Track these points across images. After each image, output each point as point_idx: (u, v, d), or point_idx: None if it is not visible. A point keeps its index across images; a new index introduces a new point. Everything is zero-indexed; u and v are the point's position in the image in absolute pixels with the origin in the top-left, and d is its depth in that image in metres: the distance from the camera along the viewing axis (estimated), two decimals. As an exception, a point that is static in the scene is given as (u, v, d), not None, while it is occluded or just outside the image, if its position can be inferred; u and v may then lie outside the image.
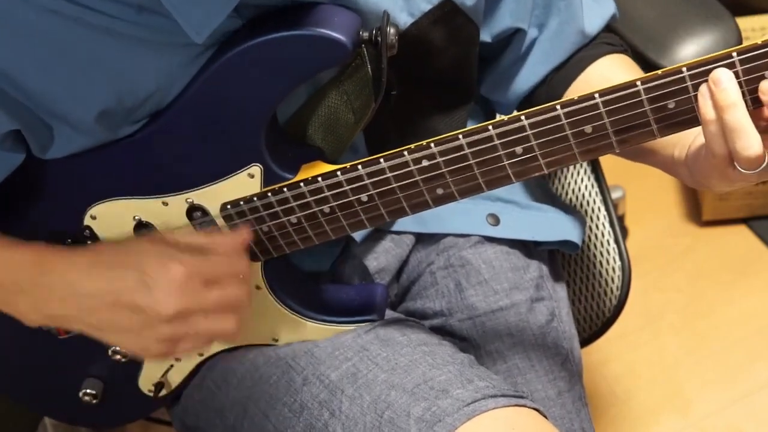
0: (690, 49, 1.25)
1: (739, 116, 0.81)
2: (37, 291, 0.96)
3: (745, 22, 1.96)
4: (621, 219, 2.09)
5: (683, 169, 0.95)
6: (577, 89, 1.09)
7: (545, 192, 1.30)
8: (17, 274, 0.96)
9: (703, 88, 0.82)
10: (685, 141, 0.94)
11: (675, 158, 0.96)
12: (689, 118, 0.84)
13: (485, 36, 1.08)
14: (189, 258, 0.93)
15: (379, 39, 0.92)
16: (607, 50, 1.11)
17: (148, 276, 0.91)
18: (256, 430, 1.05)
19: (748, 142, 0.82)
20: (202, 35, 0.85)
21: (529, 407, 0.98)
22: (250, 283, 1.00)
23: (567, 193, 1.40)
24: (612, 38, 1.13)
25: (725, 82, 0.81)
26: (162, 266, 0.91)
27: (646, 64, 1.24)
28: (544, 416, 0.99)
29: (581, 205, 1.38)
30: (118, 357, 1.10)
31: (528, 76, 1.12)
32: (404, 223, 1.16)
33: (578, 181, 1.39)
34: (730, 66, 0.80)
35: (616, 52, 1.11)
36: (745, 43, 0.80)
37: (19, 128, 0.90)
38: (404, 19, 0.98)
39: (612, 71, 1.09)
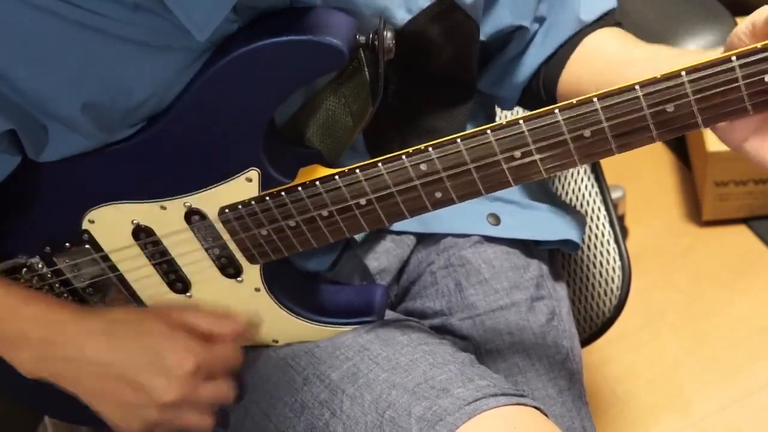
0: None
1: None
2: (45, 347, 0.99)
3: (745, 22, 1.96)
4: (621, 219, 2.09)
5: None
6: (570, 71, 1.09)
7: (545, 192, 1.30)
8: (27, 329, 1.00)
9: None
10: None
11: None
12: (689, 122, 0.84)
13: (485, 34, 1.08)
14: (200, 350, 0.99)
15: (376, 43, 0.92)
16: (598, 25, 1.10)
17: (163, 361, 0.97)
18: (257, 430, 1.06)
19: None
20: (204, 33, 0.84)
21: (529, 406, 0.98)
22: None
23: (567, 193, 1.40)
24: (606, 19, 1.11)
25: None
26: (177, 354, 0.98)
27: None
28: (545, 415, 0.99)
29: (581, 205, 1.38)
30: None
31: (525, 67, 1.12)
32: (405, 224, 1.16)
33: (578, 181, 1.39)
34: (730, 70, 0.80)
35: (608, 26, 1.10)
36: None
37: (14, 128, 0.90)
38: (402, 16, 0.98)
39: (601, 41, 1.08)
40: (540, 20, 1.09)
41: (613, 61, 1.05)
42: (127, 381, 0.98)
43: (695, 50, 0.96)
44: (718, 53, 0.86)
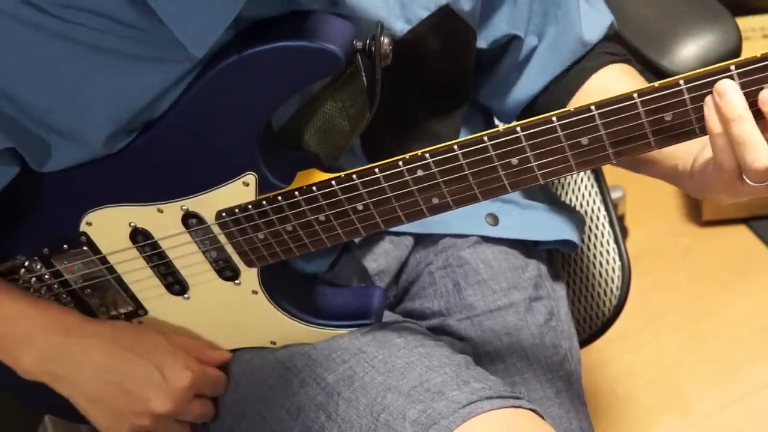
0: (690, 49, 1.24)
1: (747, 128, 0.79)
2: (48, 348, 1.02)
3: (745, 22, 1.96)
4: (621, 219, 2.08)
5: (688, 181, 0.94)
6: (577, 101, 1.08)
7: (544, 192, 1.29)
8: (35, 330, 1.03)
9: (708, 99, 0.81)
10: (689, 152, 0.92)
11: (679, 170, 0.95)
12: (687, 131, 0.83)
13: (481, 42, 1.08)
14: (196, 368, 1.04)
15: (373, 49, 0.92)
16: (608, 60, 1.10)
17: (164, 373, 1.02)
18: (254, 432, 1.06)
19: (757, 154, 0.80)
20: (201, 49, 0.84)
21: (525, 408, 0.97)
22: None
23: (567, 193, 1.40)
24: (614, 47, 1.12)
25: (730, 94, 0.79)
26: (178, 371, 1.03)
27: (645, 64, 1.23)
28: (541, 417, 0.99)
29: (581, 205, 1.37)
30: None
31: (528, 86, 1.11)
32: (403, 225, 1.15)
33: (578, 181, 1.39)
34: (729, 79, 0.80)
35: (618, 62, 1.11)
36: (744, 54, 0.80)
37: (14, 146, 0.90)
38: (401, 26, 0.98)
39: (612, 82, 1.08)
40: (539, 36, 1.09)
41: None
42: (125, 388, 1.01)
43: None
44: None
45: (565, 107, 1.07)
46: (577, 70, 1.09)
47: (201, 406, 1.08)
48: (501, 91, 1.14)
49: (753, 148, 0.80)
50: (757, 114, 0.81)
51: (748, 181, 0.83)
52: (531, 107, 1.13)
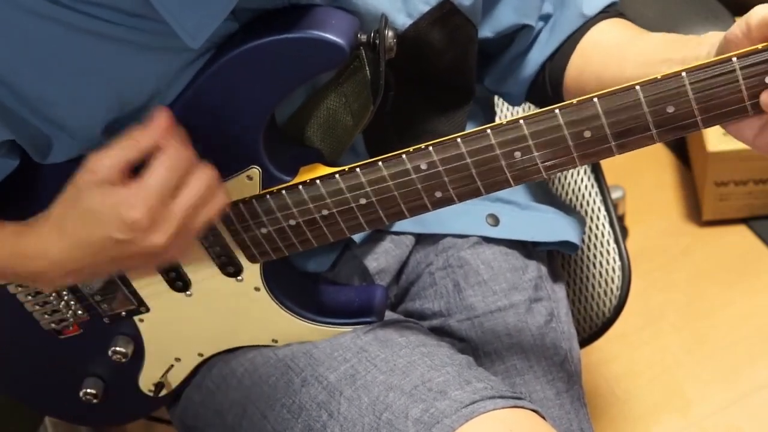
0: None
1: None
2: (19, 269, 0.95)
3: (745, 22, 1.96)
4: (621, 219, 2.09)
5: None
6: (574, 65, 1.08)
7: (545, 192, 1.30)
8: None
9: None
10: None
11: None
12: (689, 122, 0.84)
13: (487, 32, 1.08)
14: (135, 195, 0.87)
15: (377, 42, 0.92)
16: (599, 18, 1.09)
17: (121, 237, 0.88)
18: (255, 431, 1.05)
19: None
20: (198, 41, 0.84)
21: (527, 408, 0.98)
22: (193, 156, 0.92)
23: (567, 194, 1.40)
24: (609, 9, 1.11)
25: None
26: (124, 223, 0.87)
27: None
28: (543, 417, 0.99)
29: (581, 205, 1.38)
30: (118, 357, 1.11)
31: (532, 64, 1.11)
32: (404, 224, 1.16)
33: (578, 181, 1.39)
34: (731, 71, 0.80)
35: (608, 18, 1.10)
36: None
37: (14, 138, 0.90)
38: (402, 21, 0.98)
39: (601, 33, 1.08)
40: (545, 18, 1.09)
41: (608, 57, 1.04)
42: (120, 257, 0.91)
43: (690, 36, 0.96)
44: (715, 39, 0.86)
45: (564, 71, 1.08)
46: (574, 37, 1.09)
47: (189, 193, 0.89)
48: (509, 76, 1.14)
49: None
50: (756, 108, 0.81)
51: None
52: (534, 82, 1.13)
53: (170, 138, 0.87)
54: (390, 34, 0.92)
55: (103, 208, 0.87)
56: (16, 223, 0.94)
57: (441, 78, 1.07)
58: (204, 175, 0.89)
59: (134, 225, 0.86)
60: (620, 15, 1.11)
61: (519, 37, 1.10)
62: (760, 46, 0.79)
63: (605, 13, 1.10)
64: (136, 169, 0.87)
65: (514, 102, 1.19)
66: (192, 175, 0.88)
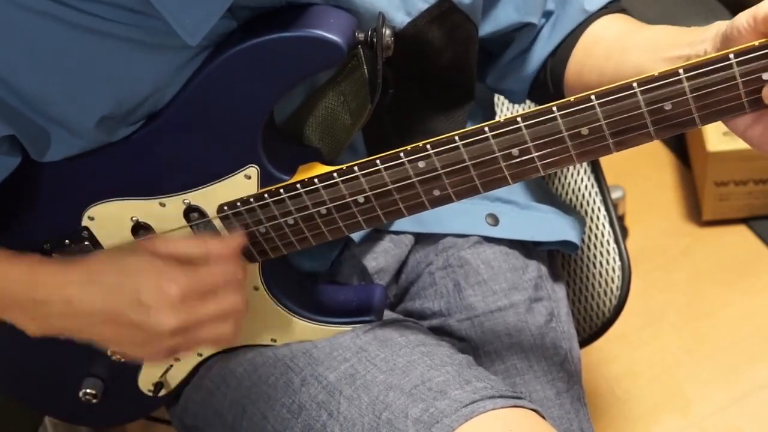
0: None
1: None
2: (34, 307, 0.97)
3: (745, 22, 1.96)
4: (621, 219, 2.08)
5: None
6: (575, 60, 1.08)
7: (545, 192, 1.30)
8: (15, 290, 0.97)
9: None
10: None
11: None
12: (687, 120, 0.84)
13: (488, 31, 1.08)
14: (183, 275, 0.94)
15: (375, 40, 0.92)
16: (600, 14, 1.09)
17: (144, 297, 0.92)
18: (255, 431, 1.05)
19: None
20: (195, 38, 0.85)
21: (527, 408, 0.98)
22: (246, 286, 1.01)
23: (567, 193, 1.40)
24: (610, 5, 1.11)
25: None
26: (157, 287, 0.93)
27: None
28: (543, 417, 0.99)
29: (581, 205, 1.37)
30: (118, 356, 1.11)
31: (534, 61, 1.11)
32: (403, 224, 1.16)
33: (578, 181, 1.39)
34: (728, 67, 0.80)
35: (609, 14, 1.10)
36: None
37: (14, 134, 0.90)
38: (401, 18, 0.98)
39: (602, 29, 1.08)
40: (547, 15, 1.09)
41: (610, 48, 1.04)
42: (122, 324, 0.94)
43: (691, 29, 0.96)
44: (715, 29, 0.87)
45: (565, 68, 1.08)
46: (575, 33, 1.09)
47: (217, 303, 0.95)
48: (511, 74, 1.14)
49: None
50: (754, 104, 0.81)
51: None
52: (536, 78, 1.13)
53: (236, 257, 0.97)
54: (387, 32, 0.92)
55: (147, 269, 0.94)
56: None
57: (441, 76, 1.07)
58: (238, 300, 0.97)
59: (164, 295, 0.92)
60: (622, 11, 1.11)
61: (521, 35, 1.10)
62: (757, 43, 0.79)
63: (606, 9, 1.10)
64: None
65: (516, 99, 1.19)
66: (231, 292, 0.96)
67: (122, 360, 1.11)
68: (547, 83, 1.11)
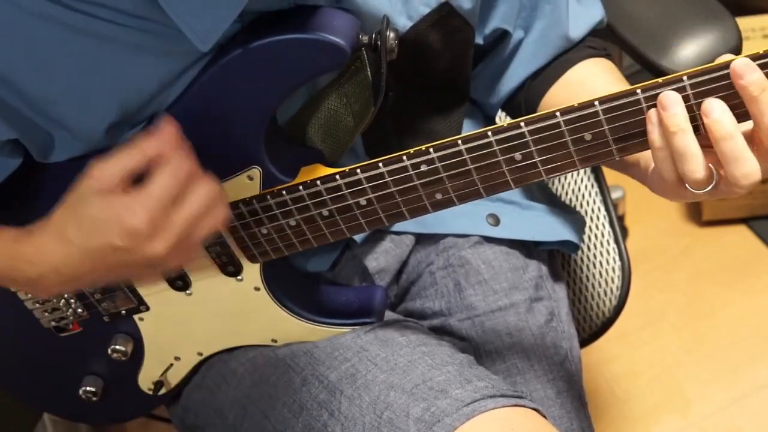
0: (690, 50, 1.25)
1: (687, 141, 0.82)
2: (35, 283, 0.95)
3: (745, 22, 1.96)
4: (621, 219, 2.09)
5: (647, 182, 0.95)
6: (555, 93, 1.10)
7: (545, 192, 1.30)
8: (7, 274, 0.95)
9: (651, 113, 0.83)
10: (646, 156, 0.94)
11: (641, 170, 0.96)
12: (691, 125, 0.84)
13: (478, 38, 1.09)
14: (138, 203, 0.86)
15: (379, 43, 0.92)
16: (588, 54, 1.11)
17: (118, 242, 0.87)
18: (256, 430, 1.05)
19: (696, 166, 0.83)
20: (207, 44, 0.84)
21: (528, 407, 0.98)
22: (205, 177, 0.91)
23: (567, 193, 1.40)
24: (595, 42, 1.13)
25: (674, 106, 0.81)
26: (123, 228, 0.86)
27: (646, 64, 1.24)
28: (544, 416, 0.99)
29: (581, 205, 1.38)
30: (118, 355, 1.11)
31: (511, 78, 1.13)
32: (404, 224, 1.16)
33: (578, 181, 1.39)
34: (728, 87, 0.80)
35: (597, 56, 1.12)
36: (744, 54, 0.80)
37: (18, 137, 0.90)
38: (403, 23, 0.98)
39: (590, 75, 1.09)
40: (525, 29, 1.10)
41: (595, 94, 1.05)
42: (116, 268, 0.91)
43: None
44: None
45: (541, 99, 1.09)
46: (558, 63, 1.11)
47: (191, 204, 0.88)
48: (488, 86, 1.15)
49: (692, 159, 0.83)
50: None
51: (689, 188, 0.86)
52: (510, 100, 1.14)
53: (175, 148, 0.86)
54: (392, 35, 0.92)
55: (104, 215, 0.86)
56: (16, 229, 0.94)
57: (439, 79, 1.08)
58: (206, 186, 0.88)
59: (134, 232, 0.85)
60: (608, 55, 1.13)
61: (499, 44, 1.11)
62: (761, 51, 0.79)
63: (593, 48, 1.11)
64: (138, 179, 0.86)
65: (488, 112, 1.21)
66: (195, 185, 0.88)
67: (123, 358, 1.10)
68: (521, 106, 1.12)
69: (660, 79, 0.82)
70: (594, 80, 1.08)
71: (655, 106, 0.83)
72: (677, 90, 0.81)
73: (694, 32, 1.26)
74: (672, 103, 0.81)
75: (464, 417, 0.93)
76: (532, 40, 1.10)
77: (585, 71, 1.10)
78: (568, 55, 1.11)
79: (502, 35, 1.10)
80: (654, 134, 0.83)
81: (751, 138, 0.82)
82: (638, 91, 0.82)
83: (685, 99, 0.81)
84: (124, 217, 0.85)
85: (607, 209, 1.36)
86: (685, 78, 0.81)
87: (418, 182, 0.91)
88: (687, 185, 0.85)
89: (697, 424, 1.83)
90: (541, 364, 1.13)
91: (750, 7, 2.04)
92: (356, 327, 1.08)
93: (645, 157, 0.94)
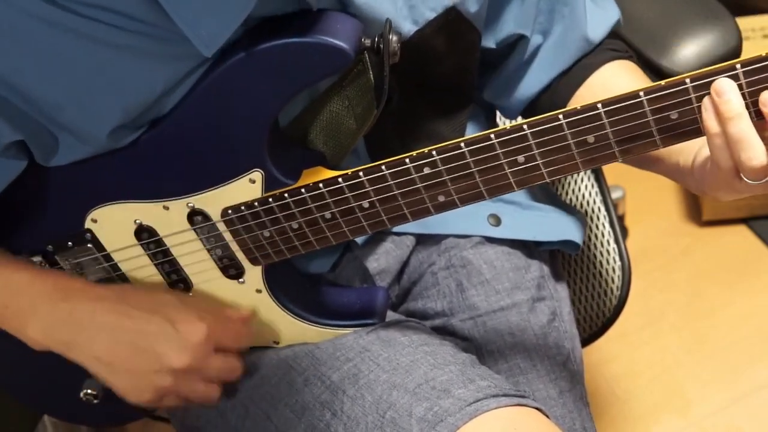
0: (690, 50, 1.25)
1: (744, 127, 0.81)
2: (54, 314, 0.98)
3: (745, 22, 1.96)
4: (621, 219, 2.09)
5: (689, 178, 0.95)
6: (580, 97, 1.09)
7: (546, 192, 1.30)
8: (39, 300, 0.99)
9: (706, 100, 0.82)
10: (690, 149, 0.93)
11: (681, 166, 0.96)
12: (692, 129, 0.84)
13: (489, 42, 1.09)
14: (212, 320, 0.99)
15: (381, 46, 0.92)
16: (611, 56, 1.10)
17: (176, 327, 0.97)
18: (258, 431, 1.05)
19: (754, 152, 0.81)
20: (211, 49, 0.84)
21: (530, 407, 0.98)
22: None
23: (567, 194, 1.40)
24: (617, 44, 1.12)
25: (728, 93, 0.80)
26: (190, 322, 0.98)
27: (646, 64, 1.24)
28: (546, 416, 0.99)
29: (581, 205, 1.38)
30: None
31: (532, 83, 1.12)
32: (406, 225, 1.15)
33: (578, 182, 1.40)
34: (734, 78, 0.80)
35: (621, 59, 1.11)
36: (744, 55, 0.80)
37: (23, 139, 0.90)
38: (408, 27, 0.98)
39: (614, 79, 1.09)
40: (544, 33, 1.09)
41: None
42: (138, 347, 0.97)
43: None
44: None
45: (567, 103, 1.08)
46: (581, 67, 1.10)
47: (224, 361, 1.03)
48: (507, 90, 1.14)
49: (749, 146, 0.81)
50: (758, 114, 0.81)
51: (745, 179, 0.84)
52: (534, 104, 1.14)
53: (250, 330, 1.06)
54: (394, 38, 0.92)
55: (178, 306, 1.00)
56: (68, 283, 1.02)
57: (443, 83, 1.08)
58: (238, 366, 1.05)
59: (191, 335, 0.98)
60: (630, 57, 1.12)
61: (517, 47, 1.11)
62: (764, 54, 0.79)
63: (615, 51, 1.11)
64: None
65: (507, 115, 1.20)
66: (235, 358, 1.05)
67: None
68: (546, 112, 1.12)
69: (663, 82, 0.82)
70: (618, 82, 1.08)
71: (655, 109, 0.83)
72: (680, 91, 0.81)
73: (694, 32, 1.26)
74: (726, 90, 0.80)
75: (467, 416, 0.93)
76: (552, 44, 1.09)
77: (609, 74, 1.09)
78: (589, 59, 1.10)
79: (518, 39, 1.10)
80: (710, 120, 0.82)
81: None
82: (641, 94, 0.82)
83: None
84: (198, 317, 1.00)
85: (607, 209, 1.36)
86: (688, 80, 0.81)
87: (420, 185, 0.92)
88: (743, 175, 0.84)
89: (697, 424, 1.83)
90: (544, 364, 1.13)
91: (750, 7, 2.04)
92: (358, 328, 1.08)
93: (687, 150, 0.93)
